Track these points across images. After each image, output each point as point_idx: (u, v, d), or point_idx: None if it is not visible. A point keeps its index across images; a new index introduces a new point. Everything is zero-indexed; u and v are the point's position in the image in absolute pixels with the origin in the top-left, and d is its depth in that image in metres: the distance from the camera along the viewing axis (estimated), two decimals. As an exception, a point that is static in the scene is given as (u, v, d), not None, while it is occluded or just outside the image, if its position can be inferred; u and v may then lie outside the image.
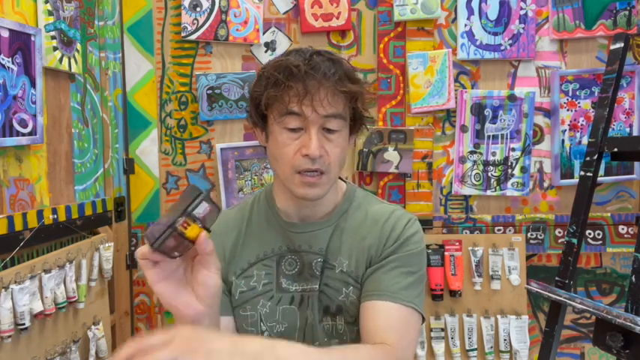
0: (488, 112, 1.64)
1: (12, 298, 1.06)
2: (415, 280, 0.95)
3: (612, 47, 1.28)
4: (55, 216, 1.26)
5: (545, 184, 1.68)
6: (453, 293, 1.59)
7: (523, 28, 1.62)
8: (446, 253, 1.60)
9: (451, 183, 1.67)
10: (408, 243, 0.97)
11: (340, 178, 1.05)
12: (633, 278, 1.12)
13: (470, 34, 1.62)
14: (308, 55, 0.92)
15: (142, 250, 0.66)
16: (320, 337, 0.96)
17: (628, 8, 1.61)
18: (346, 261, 0.97)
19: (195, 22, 1.59)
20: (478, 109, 1.64)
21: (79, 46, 1.37)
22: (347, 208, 1.01)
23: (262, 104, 0.91)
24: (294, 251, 0.97)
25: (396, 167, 1.62)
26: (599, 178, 1.36)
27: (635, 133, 1.64)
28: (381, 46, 1.63)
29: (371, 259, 0.97)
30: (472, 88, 1.65)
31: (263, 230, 0.99)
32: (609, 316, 1.06)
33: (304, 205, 0.96)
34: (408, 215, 1.02)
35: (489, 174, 1.66)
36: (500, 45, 1.62)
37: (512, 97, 1.63)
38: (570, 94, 1.65)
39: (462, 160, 1.66)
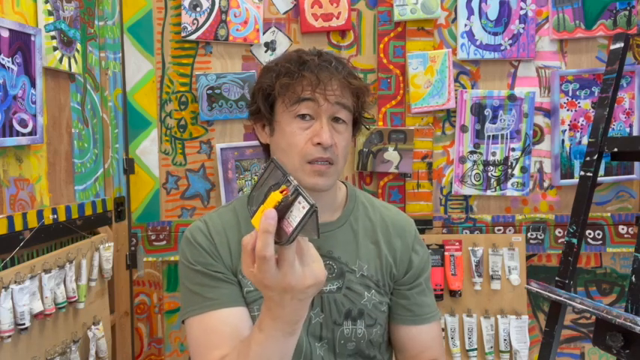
0: (488, 112, 1.64)
1: (12, 298, 1.06)
2: (432, 287, 1.07)
3: (612, 47, 1.28)
4: (55, 216, 1.26)
5: (545, 184, 1.68)
6: (453, 293, 1.59)
7: (523, 28, 1.62)
8: (446, 253, 1.60)
9: (451, 183, 1.67)
10: (424, 255, 1.05)
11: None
12: (633, 278, 1.12)
13: (470, 34, 1.62)
14: (316, 51, 0.96)
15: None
16: (337, 339, 0.96)
17: (628, 8, 1.61)
18: (365, 265, 0.98)
19: (195, 22, 1.59)
20: (478, 109, 1.64)
21: (79, 46, 1.37)
22: (353, 207, 1.02)
23: (274, 93, 0.92)
24: None
25: (396, 167, 1.61)
26: (599, 178, 1.36)
27: (635, 133, 1.64)
28: (381, 46, 1.63)
29: (391, 271, 1.01)
30: (472, 88, 1.65)
31: None
32: (609, 316, 1.06)
33: None
34: (410, 220, 1.08)
35: (489, 174, 1.66)
36: (500, 45, 1.62)
37: (512, 97, 1.63)
38: (570, 94, 1.65)
39: (462, 160, 1.66)
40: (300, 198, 0.57)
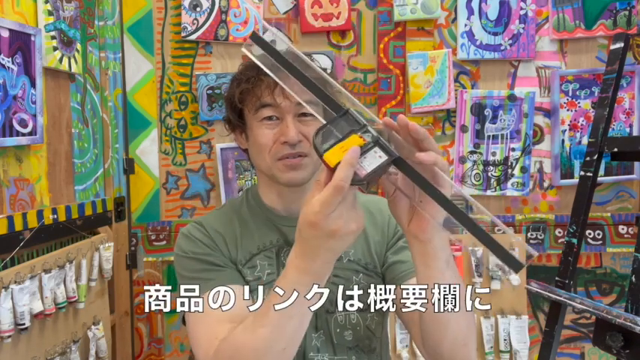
0: (488, 112, 1.64)
1: (12, 298, 1.06)
2: None
3: (612, 47, 1.28)
4: (55, 216, 1.26)
5: (545, 184, 1.68)
6: (453, 293, 1.59)
7: (523, 28, 1.62)
8: (446, 253, 1.60)
9: (451, 183, 1.66)
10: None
11: None
12: (633, 278, 1.12)
13: (470, 34, 1.62)
14: None
15: None
16: (332, 328, 0.96)
17: (628, 8, 1.61)
18: (352, 250, 0.99)
19: (195, 22, 1.59)
20: (478, 109, 1.64)
21: (79, 46, 1.37)
22: None
23: (236, 99, 0.94)
24: (291, 244, 0.98)
25: (396, 167, 1.61)
26: (599, 178, 1.36)
27: (635, 133, 1.64)
28: (381, 46, 1.63)
29: (379, 249, 1.01)
30: (472, 88, 1.65)
31: (259, 225, 1.00)
32: (609, 316, 1.06)
33: (291, 198, 0.98)
34: None
35: (489, 174, 1.66)
36: (500, 45, 1.62)
37: (512, 97, 1.63)
38: (570, 94, 1.65)
39: (462, 160, 1.66)
40: (377, 148, 0.63)
